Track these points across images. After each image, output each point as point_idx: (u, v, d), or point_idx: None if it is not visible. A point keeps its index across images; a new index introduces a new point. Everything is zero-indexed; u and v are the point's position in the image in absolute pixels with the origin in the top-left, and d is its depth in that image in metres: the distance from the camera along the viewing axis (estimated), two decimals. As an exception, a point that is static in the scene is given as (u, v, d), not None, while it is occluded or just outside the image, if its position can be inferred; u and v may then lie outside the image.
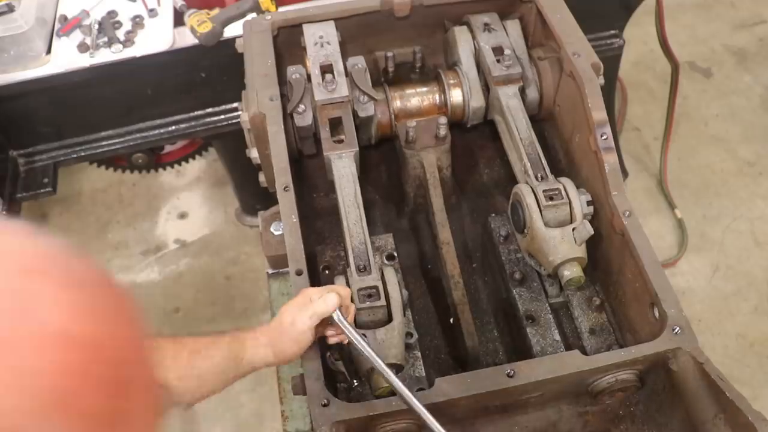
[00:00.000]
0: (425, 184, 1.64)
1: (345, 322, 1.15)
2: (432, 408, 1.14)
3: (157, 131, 2.24)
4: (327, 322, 1.17)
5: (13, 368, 0.48)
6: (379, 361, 1.14)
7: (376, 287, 1.33)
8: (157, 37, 1.99)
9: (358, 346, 1.15)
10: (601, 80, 1.54)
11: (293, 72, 1.64)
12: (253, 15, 1.97)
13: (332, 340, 1.22)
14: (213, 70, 2.11)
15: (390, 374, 1.13)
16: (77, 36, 1.99)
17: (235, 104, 2.21)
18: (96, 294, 0.56)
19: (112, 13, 2.03)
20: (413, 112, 1.71)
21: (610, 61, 2.23)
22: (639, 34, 3.12)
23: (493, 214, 1.66)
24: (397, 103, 1.70)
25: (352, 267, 1.37)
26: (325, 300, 1.15)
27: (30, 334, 0.50)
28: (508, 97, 1.65)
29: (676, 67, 2.68)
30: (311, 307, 1.14)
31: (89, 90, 2.04)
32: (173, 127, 2.24)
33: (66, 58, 1.95)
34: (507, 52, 1.65)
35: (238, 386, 2.60)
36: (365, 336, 1.27)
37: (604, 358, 1.26)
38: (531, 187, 1.47)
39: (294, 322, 1.15)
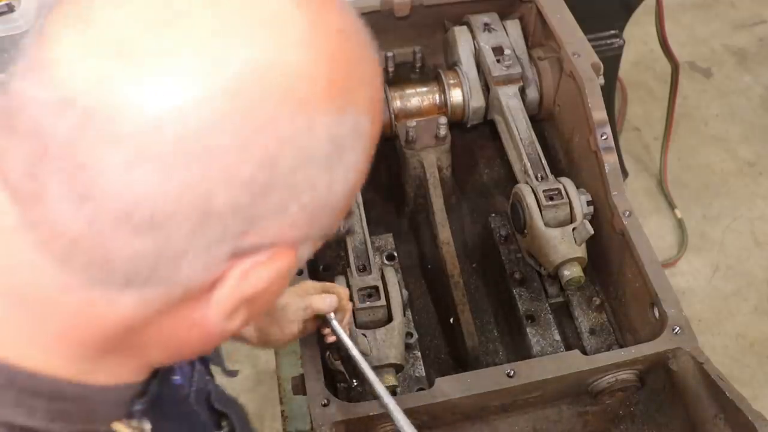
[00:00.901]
0: (425, 184, 1.64)
1: (337, 326, 1.12)
2: (432, 408, 1.13)
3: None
4: (318, 320, 1.15)
5: None
6: (367, 367, 1.08)
7: (376, 287, 1.33)
8: (157, 37, 1.99)
9: (347, 349, 1.11)
10: (601, 80, 1.54)
11: (293, 72, 1.63)
12: (253, 15, 1.96)
13: (330, 339, 1.21)
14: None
15: (376, 381, 1.08)
16: (77, 36, 1.99)
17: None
18: None
19: (112, 13, 2.04)
20: (413, 112, 1.71)
21: (610, 61, 2.23)
22: (639, 34, 3.11)
23: (493, 214, 1.66)
24: (397, 103, 1.70)
25: (352, 267, 1.37)
26: (323, 298, 1.12)
27: None
28: (508, 97, 1.65)
29: (676, 67, 2.67)
30: (308, 299, 1.12)
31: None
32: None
33: (66, 58, 1.94)
34: (507, 52, 1.65)
35: (238, 386, 2.61)
36: (365, 336, 1.27)
37: (604, 358, 1.26)
38: (531, 187, 1.47)
39: (286, 307, 1.11)
